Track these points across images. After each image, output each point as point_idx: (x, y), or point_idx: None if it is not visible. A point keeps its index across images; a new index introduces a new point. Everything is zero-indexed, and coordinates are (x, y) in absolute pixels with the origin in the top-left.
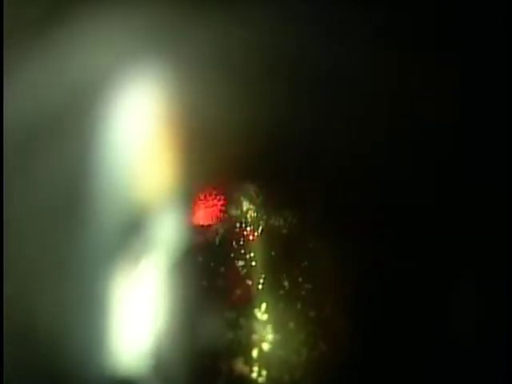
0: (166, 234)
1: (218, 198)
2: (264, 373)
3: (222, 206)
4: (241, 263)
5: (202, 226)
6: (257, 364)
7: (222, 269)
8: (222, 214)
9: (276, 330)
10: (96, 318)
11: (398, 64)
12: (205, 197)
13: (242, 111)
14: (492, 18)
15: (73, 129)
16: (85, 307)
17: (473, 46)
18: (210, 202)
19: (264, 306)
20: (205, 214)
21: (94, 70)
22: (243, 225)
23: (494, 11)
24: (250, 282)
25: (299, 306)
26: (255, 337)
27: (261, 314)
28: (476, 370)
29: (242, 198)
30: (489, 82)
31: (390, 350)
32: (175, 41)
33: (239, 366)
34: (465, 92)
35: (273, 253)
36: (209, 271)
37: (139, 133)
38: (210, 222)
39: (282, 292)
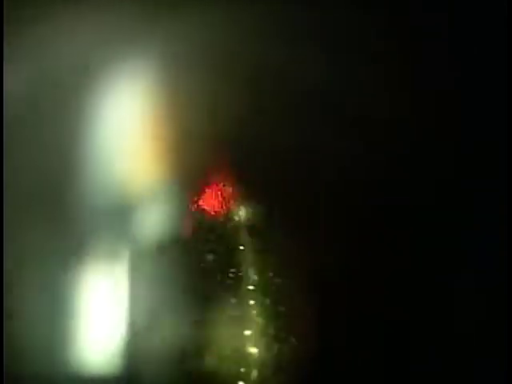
0: (146, 228)
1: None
2: (234, 368)
3: (195, 199)
4: (210, 257)
5: (175, 220)
6: (228, 360)
7: (192, 263)
8: (194, 207)
9: (246, 325)
10: (65, 314)
11: (395, 65)
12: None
13: (225, 107)
14: (492, 18)
15: (60, 122)
16: (56, 301)
17: (473, 47)
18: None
19: (234, 300)
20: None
21: (82, 64)
22: (215, 218)
23: (494, 11)
24: (219, 277)
25: (268, 300)
26: (225, 332)
27: (231, 308)
28: (474, 369)
29: (212, 192)
30: (489, 82)
31: (362, 344)
32: (162, 39)
33: (208, 361)
34: (465, 92)
35: (242, 247)
36: (179, 266)
37: (126, 126)
38: (183, 216)
39: (251, 287)
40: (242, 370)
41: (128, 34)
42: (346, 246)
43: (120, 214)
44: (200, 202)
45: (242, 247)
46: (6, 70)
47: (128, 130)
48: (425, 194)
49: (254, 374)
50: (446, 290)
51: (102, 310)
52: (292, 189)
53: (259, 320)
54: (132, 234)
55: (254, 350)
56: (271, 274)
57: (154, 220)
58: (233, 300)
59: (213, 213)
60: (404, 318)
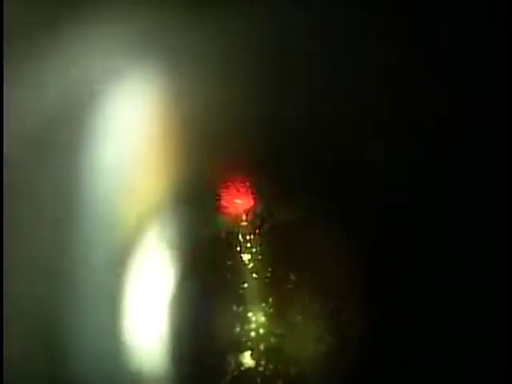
0: (171, 234)
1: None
2: (271, 367)
3: (229, 200)
4: (247, 257)
5: (209, 221)
6: (264, 358)
7: (229, 263)
8: (229, 209)
9: (283, 324)
10: (107, 316)
11: (396, 62)
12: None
13: (242, 108)
14: (492, 19)
15: (70, 136)
16: (95, 306)
17: (473, 47)
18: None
19: (271, 300)
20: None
21: (89, 75)
22: (250, 219)
23: (494, 11)
24: (256, 276)
25: (306, 299)
26: (262, 331)
27: (268, 308)
28: (474, 369)
29: (248, 193)
30: (489, 83)
31: (398, 343)
32: (170, 42)
33: (247, 359)
34: (464, 92)
35: (279, 247)
36: (215, 266)
37: (133, 135)
38: (219, 217)
39: (289, 286)
40: (279, 367)
41: (136, 42)
42: (364, 246)
43: (149, 220)
44: (221, 204)
45: (279, 247)
46: (21, 93)
47: (143, 139)
48: (425, 195)
49: (291, 372)
50: (446, 289)
51: (144, 311)
52: (316, 188)
53: (297, 319)
54: (166, 237)
55: (290, 349)
56: (308, 275)
57: (185, 222)
58: (270, 299)
59: (236, 213)
60: (407, 319)
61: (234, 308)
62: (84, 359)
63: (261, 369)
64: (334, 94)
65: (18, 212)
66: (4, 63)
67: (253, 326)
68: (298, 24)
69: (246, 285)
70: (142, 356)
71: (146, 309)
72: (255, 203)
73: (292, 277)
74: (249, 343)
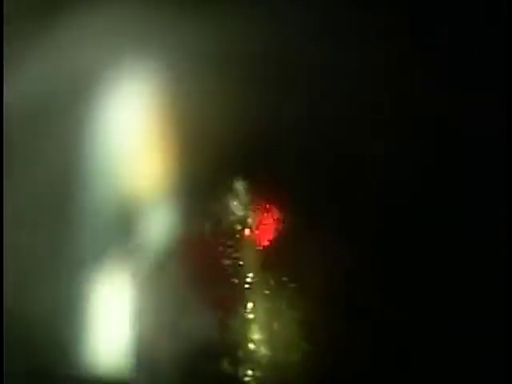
0: (153, 233)
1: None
2: (249, 372)
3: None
4: (227, 262)
5: (189, 224)
6: (242, 364)
7: (208, 267)
8: (208, 212)
9: (262, 330)
10: (79, 316)
11: (396, 62)
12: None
13: (232, 109)
14: (492, 18)
15: (63, 127)
16: (69, 306)
17: (473, 47)
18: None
19: (250, 305)
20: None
21: (86, 66)
22: (230, 223)
23: (494, 11)
24: (236, 281)
25: (284, 305)
26: (240, 336)
27: (247, 313)
28: (474, 369)
29: (229, 196)
30: (489, 83)
31: (379, 351)
32: (166, 39)
33: (225, 365)
34: (464, 92)
35: (260, 252)
36: (195, 269)
37: (130, 131)
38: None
39: (267, 291)
40: (257, 373)
41: (132, 37)
42: (365, 251)
43: (134, 217)
44: (212, 204)
45: (259, 252)
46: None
47: (135, 135)
48: (425, 195)
49: (269, 377)
50: (446, 289)
51: (118, 313)
52: (314, 192)
53: (275, 324)
54: (147, 236)
55: (268, 354)
56: (286, 279)
57: (168, 223)
58: (249, 304)
59: (230, 217)
60: (408, 319)
61: (212, 313)
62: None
63: (239, 375)
64: (334, 94)
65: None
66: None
67: (231, 331)
68: (298, 24)
69: (225, 289)
70: (119, 362)
71: (121, 313)
72: (236, 207)
73: (272, 282)
74: (227, 349)
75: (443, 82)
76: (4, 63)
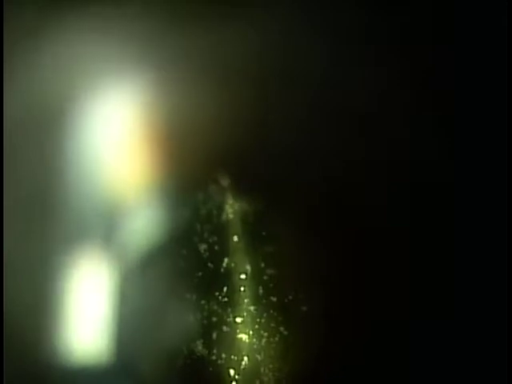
0: (137, 227)
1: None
2: (223, 355)
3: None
4: (203, 246)
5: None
6: (216, 347)
7: (184, 251)
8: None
9: (237, 314)
10: (53, 306)
11: (396, 62)
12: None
13: (218, 109)
14: (492, 18)
15: (49, 129)
16: (45, 299)
17: (473, 47)
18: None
19: (225, 289)
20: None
21: (74, 81)
22: (208, 208)
23: (494, 11)
24: (211, 266)
25: (261, 291)
26: (215, 320)
27: (221, 297)
28: (474, 369)
29: (208, 183)
30: (489, 83)
31: (355, 338)
32: (157, 46)
33: (198, 348)
34: (463, 93)
35: (236, 237)
36: (171, 253)
37: (115, 132)
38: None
39: (243, 276)
40: (233, 357)
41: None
42: (342, 241)
43: (109, 215)
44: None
45: (235, 238)
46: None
47: (121, 136)
48: (425, 194)
49: (245, 361)
50: (446, 289)
51: (89, 308)
52: (291, 184)
53: (250, 308)
54: (123, 231)
55: (243, 338)
56: (263, 265)
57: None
58: (224, 288)
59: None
60: (403, 316)
61: (187, 296)
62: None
63: (213, 358)
64: (334, 95)
65: None
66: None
67: (205, 314)
68: (298, 24)
69: (200, 274)
70: (92, 345)
71: (97, 295)
72: (213, 193)
73: (248, 267)
74: (201, 332)
75: (443, 82)
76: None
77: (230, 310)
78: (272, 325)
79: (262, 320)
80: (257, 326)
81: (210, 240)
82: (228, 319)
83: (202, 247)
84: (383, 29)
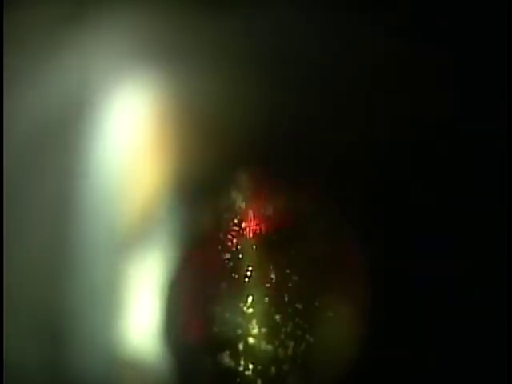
0: (165, 232)
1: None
2: (251, 366)
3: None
4: (227, 256)
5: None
6: (243, 358)
7: (209, 262)
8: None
9: (262, 324)
10: (103, 306)
11: (394, 60)
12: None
13: (236, 104)
14: (492, 18)
15: (68, 136)
16: (94, 297)
17: (473, 47)
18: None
19: (250, 299)
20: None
21: (89, 80)
22: (231, 216)
23: (494, 11)
24: (236, 276)
25: (286, 298)
26: (241, 331)
27: (246, 307)
28: (474, 369)
29: (231, 189)
30: (489, 83)
31: (382, 344)
32: (171, 43)
33: (226, 359)
34: (464, 91)
35: (259, 246)
36: (199, 266)
37: (133, 132)
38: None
39: (268, 285)
40: (259, 367)
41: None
42: (372, 241)
43: (145, 218)
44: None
45: (259, 246)
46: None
47: (140, 136)
48: (424, 195)
49: (272, 371)
50: (446, 289)
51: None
52: (317, 186)
53: (276, 318)
54: (160, 235)
55: (269, 348)
56: (288, 271)
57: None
58: (249, 298)
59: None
60: (432, 323)
61: (211, 307)
62: (82, 356)
63: (240, 369)
64: (334, 95)
65: (15, 213)
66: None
67: (231, 325)
68: (298, 24)
69: (224, 284)
70: (135, 350)
71: (142, 304)
72: (236, 200)
73: (272, 276)
74: (227, 343)
75: (443, 81)
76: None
77: (254, 320)
78: (298, 333)
79: (288, 329)
80: (283, 337)
81: (233, 249)
82: (254, 330)
83: (226, 256)
84: (381, 28)
